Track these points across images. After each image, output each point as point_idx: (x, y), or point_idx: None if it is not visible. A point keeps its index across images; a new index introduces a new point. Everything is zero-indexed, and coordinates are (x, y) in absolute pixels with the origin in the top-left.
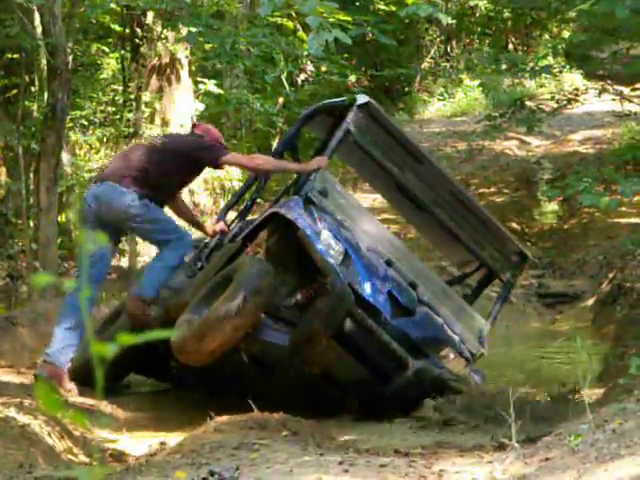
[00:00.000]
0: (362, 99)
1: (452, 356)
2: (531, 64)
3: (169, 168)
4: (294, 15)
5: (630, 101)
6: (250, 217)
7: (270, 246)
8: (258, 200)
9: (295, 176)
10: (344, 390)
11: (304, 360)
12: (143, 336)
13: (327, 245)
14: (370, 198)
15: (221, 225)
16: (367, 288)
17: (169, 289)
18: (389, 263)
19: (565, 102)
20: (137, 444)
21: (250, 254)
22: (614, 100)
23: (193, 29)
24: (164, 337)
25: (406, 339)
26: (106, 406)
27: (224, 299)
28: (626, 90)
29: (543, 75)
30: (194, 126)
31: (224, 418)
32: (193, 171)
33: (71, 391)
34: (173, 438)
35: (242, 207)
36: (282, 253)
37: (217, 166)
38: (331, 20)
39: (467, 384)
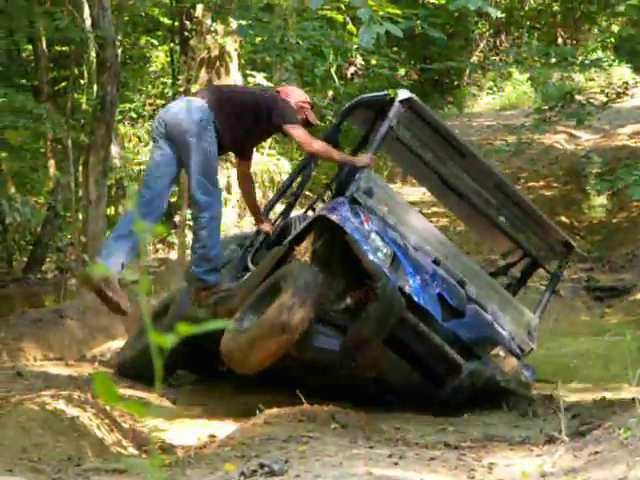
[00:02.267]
0: (404, 94)
1: (502, 354)
2: (581, 57)
3: (245, 113)
4: (344, 8)
5: None
6: (294, 212)
7: (317, 249)
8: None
9: (337, 171)
10: (397, 394)
11: (356, 365)
12: (202, 327)
13: (375, 248)
14: (419, 191)
15: (267, 226)
16: (417, 291)
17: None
18: (437, 262)
19: (614, 96)
20: (186, 436)
21: (298, 259)
22: None
23: (243, 22)
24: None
25: (457, 341)
26: (156, 398)
27: (275, 311)
28: None
29: (592, 69)
30: (278, 92)
31: (273, 411)
32: (260, 126)
33: (113, 290)
34: (222, 431)
35: (287, 201)
36: (329, 256)
37: (279, 127)
38: (381, 13)
39: (519, 384)
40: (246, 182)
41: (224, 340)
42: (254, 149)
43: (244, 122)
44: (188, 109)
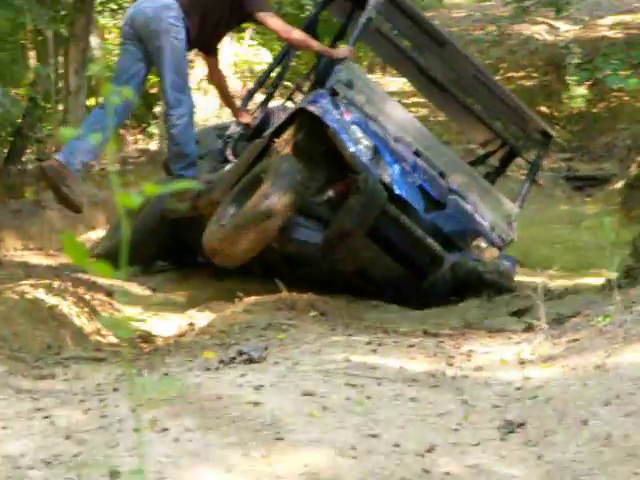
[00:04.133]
0: None
1: (484, 245)
2: None
3: (213, 4)
4: None
5: None
6: (273, 103)
7: (298, 142)
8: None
9: (316, 62)
10: (379, 287)
11: (337, 258)
12: (169, 186)
13: (356, 140)
14: (400, 82)
15: (246, 118)
16: (399, 183)
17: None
18: (417, 153)
19: None
20: (165, 325)
21: (278, 151)
22: None
23: None
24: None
25: (439, 233)
26: (135, 287)
27: (256, 200)
28: None
29: None
30: None
31: (252, 299)
32: (231, 15)
33: (69, 187)
34: (202, 319)
35: (266, 91)
36: (310, 149)
37: (253, 17)
38: None
39: (500, 275)
40: (218, 78)
41: (207, 233)
42: (219, 43)
43: (215, 15)
44: (154, 7)
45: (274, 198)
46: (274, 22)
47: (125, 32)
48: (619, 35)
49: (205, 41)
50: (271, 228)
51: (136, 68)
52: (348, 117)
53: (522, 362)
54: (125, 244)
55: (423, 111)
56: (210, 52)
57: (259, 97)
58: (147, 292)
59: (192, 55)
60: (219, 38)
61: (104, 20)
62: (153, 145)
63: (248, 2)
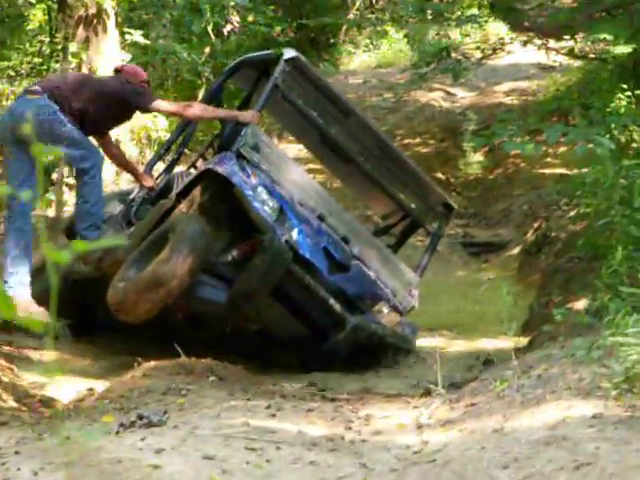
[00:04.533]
0: (289, 53)
1: (386, 310)
2: (457, 13)
3: (98, 103)
4: None
5: (557, 52)
6: (177, 169)
7: (204, 203)
8: (185, 151)
9: (220, 128)
10: (281, 346)
11: (241, 317)
12: (96, 243)
13: (262, 201)
14: (296, 148)
15: (149, 181)
16: (303, 245)
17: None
18: (321, 218)
19: (490, 52)
20: (66, 390)
21: (184, 212)
22: (540, 50)
23: None
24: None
25: (342, 295)
26: (34, 351)
27: (156, 265)
28: (552, 43)
29: (469, 25)
30: (118, 70)
31: (152, 364)
32: (121, 114)
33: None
34: (101, 384)
35: (169, 158)
36: (216, 209)
37: (148, 111)
38: None
39: (401, 339)
40: (111, 150)
41: (110, 291)
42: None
43: (93, 109)
44: (30, 108)
45: (173, 263)
46: (168, 107)
47: (5, 138)
48: (515, 102)
49: (92, 131)
50: (170, 292)
51: (27, 169)
52: (254, 179)
53: (420, 426)
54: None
55: (320, 177)
56: (101, 137)
57: (160, 166)
58: (48, 357)
59: None
60: (112, 127)
61: (2, 86)
62: (50, 212)
63: (135, 102)
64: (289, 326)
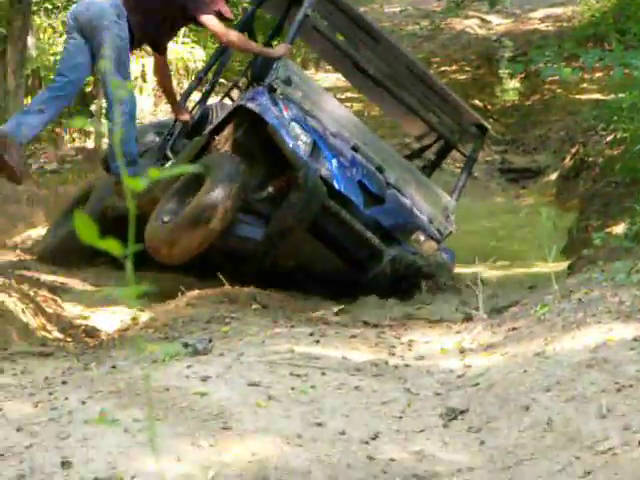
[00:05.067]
0: None
1: (422, 238)
2: None
3: (157, 4)
4: None
5: None
6: (211, 100)
7: (237, 139)
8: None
9: (252, 58)
10: (320, 281)
11: (279, 254)
12: (170, 171)
13: (295, 136)
14: (333, 77)
15: (185, 115)
16: (338, 178)
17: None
18: (355, 148)
19: None
20: (110, 320)
21: (218, 148)
22: None
23: None
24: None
25: (379, 227)
26: (78, 283)
27: (198, 201)
28: None
29: None
30: None
31: (195, 293)
32: (175, 15)
33: (11, 157)
34: (145, 313)
35: (204, 89)
36: (250, 146)
37: (194, 19)
38: None
39: (440, 268)
40: (163, 74)
41: (148, 232)
42: (168, 42)
43: (158, 15)
44: (99, 4)
45: (216, 202)
46: (214, 25)
47: (69, 26)
48: (550, 28)
49: (150, 39)
50: (212, 232)
51: (82, 58)
52: (287, 114)
53: (462, 350)
54: (130, 202)
55: (357, 106)
56: (157, 49)
57: (196, 96)
58: (90, 288)
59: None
60: (166, 37)
61: (40, 20)
62: (90, 143)
63: (190, 5)
64: (327, 261)
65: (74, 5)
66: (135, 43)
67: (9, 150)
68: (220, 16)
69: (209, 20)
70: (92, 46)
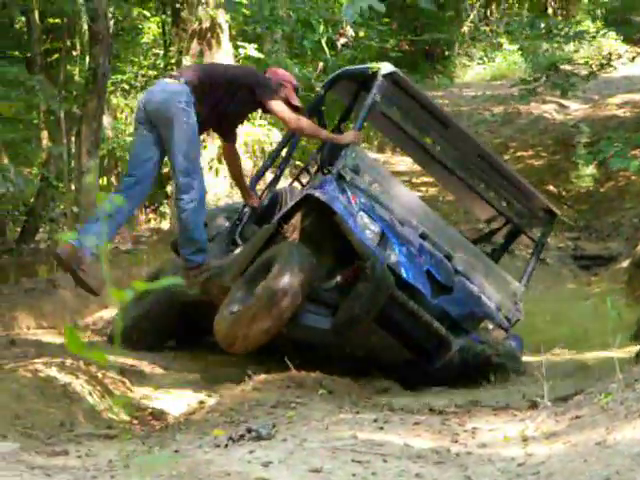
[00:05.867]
0: (387, 68)
1: (491, 326)
2: (566, 29)
3: (224, 89)
4: None
5: None
6: (281, 183)
7: (305, 228)
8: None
9: (321, 143)
10: (388, 371)
11: (347, 343)
12: (157, 283)
13: (364, 227)
14: (409, 161)
15: (254, 201)
16: (406, 268)
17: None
18: (423, 236)
19: (598, 67)
20: (176, 403)
21: (286, 237)
22: None
23: None
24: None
25: (446, 316)
26: (147, 366)
27: (269, 281)
28: None
29: (581, 39)
30: (265, 71)
31: (262, 377)
32: (242, 103)
33: (85, 271)
34: (212, 397)
35: (275, 172)
36: (318, 235)
37: (262, 105)
38: None
39: (509, 358)
40: (231, 161)
41: (218, 322)
42: (237, 129)
43: (224, 101)
44: (166, 92)
45: (286, 278)
46: (282, 110)
47: (138, 117)
48: (628, 114)
49: (218, 125)
50: (279, 322)
51: (150, 153)
52: (355, 203)
53: (525, 439)
54: (118, 319)
55: (432, 191)
56: (226, 137)
57: (269, 176)
58: (159, 371)
59: (204, 135)
60: (233, 122)
61: (116, 100)
62: (165, 224)
63: (258, 91)
64: (394, 351)
65: (141, 95)
66: (204, 129)
67: (82, 265)
68: (288, 104)
69: (276, 106)
70: (160, 134)
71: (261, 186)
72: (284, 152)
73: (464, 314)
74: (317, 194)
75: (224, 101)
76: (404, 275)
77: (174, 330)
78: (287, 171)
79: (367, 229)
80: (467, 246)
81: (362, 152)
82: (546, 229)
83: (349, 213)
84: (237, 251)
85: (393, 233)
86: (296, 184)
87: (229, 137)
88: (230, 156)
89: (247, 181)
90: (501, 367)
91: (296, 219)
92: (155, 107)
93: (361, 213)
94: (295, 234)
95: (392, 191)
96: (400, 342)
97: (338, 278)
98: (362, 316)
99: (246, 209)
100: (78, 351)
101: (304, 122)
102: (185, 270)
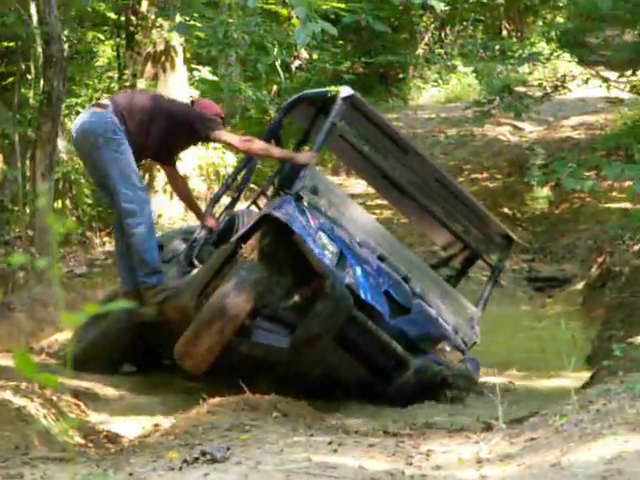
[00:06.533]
0: (346, 92)
1: (447, 348)
2: (520, 51)
3: (160, 123)
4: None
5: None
6: (237, 207)
7: (264, 248)
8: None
9: (279, 166)
10: (345, 389)
11: (304, 362)
12: (106, 306)
13: (322, 246)
14: (364, 184)
15: (211, 221)
16: (364, 289)
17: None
18: (381, 258)
19: (552, 89)
20: (132, 426)
21: (245, 256)
22: (602, 87)
23: (184, 18)
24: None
25: (404, 337)
26: (102, 388)
27: (214, 298)
28: (613, 76)
29: (537, 61)
30: (192, 102)
31: (216, 400)
32: (183, 138)
33: (153, 297)
34: (167, 420)
35: (232, 195)
36: (276, 254)
37: (207, 138)
38: (325, 7)
39: (464, 379)
40: (176, 185)
41: (178, 344)
42: (173, 157)
43: (157, 130)
44: (92, 121)
45: (228, 297)
46: (229, 138)
47: (76, 149)
48: (582, 136)
49: (153, 153)
50: (224, 327)
51: (96, 182)
52: (314, 223)
53: (479, 461)
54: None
55: (387, 213)
56: (165, 163)
57: (225, 200)
58: (114, 393)
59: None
60: (172, 152)
61: (71, 123)
62: None
63: (198, 126)
64: (352, 370)
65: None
66: (139, 156)
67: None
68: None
69: (221, 135)
70: (94, 165)
71: (217, 210)
72: (241, 175)
73: (421, 335)
74: (276, 214)
75: (160, 134)
76: (362, 295)
77: (131, 353)
78: (244, 195)
79: (326, 249)
80: (425, 269)
81: (319, 174)
82: (503, 255)
83: (308, 233)
84: (194, 272)
85: (352, 254)
86: (253, 207)
87: (165, 162)
88: (172, 178)
89: (202, 205)
90: (457, 388)
91: (255, 239)
92: (82, 138)
93: (320, 233)
94: (254, 254)
95: (350, 213)
96: (358, 361)
97: (296, 297)
98: (320, 335)
99: (203, 231)
100: (30, 374)
101: (256, 143)
102: (141, 291)
